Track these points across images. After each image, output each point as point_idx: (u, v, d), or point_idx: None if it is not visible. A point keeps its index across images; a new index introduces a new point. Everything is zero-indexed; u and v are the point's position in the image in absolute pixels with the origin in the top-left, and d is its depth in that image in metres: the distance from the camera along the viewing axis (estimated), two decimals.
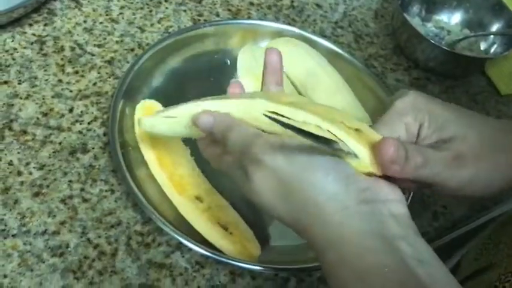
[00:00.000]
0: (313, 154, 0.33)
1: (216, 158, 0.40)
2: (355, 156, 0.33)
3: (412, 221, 0.33)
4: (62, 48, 0.58)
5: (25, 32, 0.59)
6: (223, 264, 0.47)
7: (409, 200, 0.51)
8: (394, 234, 0.30)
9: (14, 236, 0.45)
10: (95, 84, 0.57)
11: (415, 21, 0.74)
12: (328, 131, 0.33)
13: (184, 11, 0.67)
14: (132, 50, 0.61)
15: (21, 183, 0.48)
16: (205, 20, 0.66)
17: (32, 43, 0.58)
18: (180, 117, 0.42)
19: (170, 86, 0.59)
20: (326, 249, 0.31)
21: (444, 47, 0.67)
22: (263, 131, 0.36)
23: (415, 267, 0.29)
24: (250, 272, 0.48)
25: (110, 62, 0.59)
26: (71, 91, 0.55)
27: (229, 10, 0.69)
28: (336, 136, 0.33)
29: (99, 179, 0.50)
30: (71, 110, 0.54)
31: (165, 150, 0.51)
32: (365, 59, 0.70)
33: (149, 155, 0.51)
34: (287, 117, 0.35)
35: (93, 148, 0.52)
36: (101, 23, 0.62)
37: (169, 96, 0.56)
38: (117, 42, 0.61)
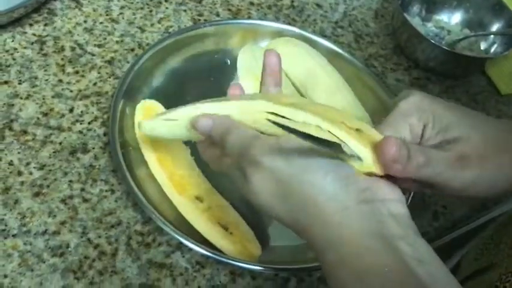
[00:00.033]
0: (312, 155, 0.33)
1: (215, 160, 0.40)
2: (359, 158, 0.33)
3: (412, 220, 0.33)
4: (62, 48, 0.58)
5: (25, 32, 0.59)
6: (223, 264, 0.47)
7: (409, 200, 0.51)
8: (393, 234, 0.30)
9: (14, 236, 0.45)
10: (95, 84, 0.57)
11: (415, 21, 0.74)
12: (330, 132, 0.33)
13: (185, 10, 0.67)
14: (133, 50, 0.61)
15: (22, 183, 0.48)
16: (205, 20, 0.66)
17: (32, 43, 0.58)
18: (180, 120, 0.42)
19: (170, 86, 0.59)
20: (326, 249, 0.31)
21: (444, 47, 0.67)
22: (262, 132, 0.36)
23: (415, 267, 0.29)
24: (250, 272, 0.48)
25: (110, 62, 0.59)
26: (71, 91, 0.55)
27: (229, 10, 0.69)
28: (339, 138, 0.33)
29: (100, 179, 0.50)
30: (71, 110, 0.54)
31: (165, 150, 0.51)
32: (365, 58, 0.70)
33: (149, 155, 0.51)
34: (287, 118, 0.35)
35: (93, 148, 0.52)
36: (101, 23, 0.62)
37: (170, 96, 0.57)
38: (117, 42, 0.61)
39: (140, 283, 0.45)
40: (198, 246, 0.45)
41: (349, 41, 0.71)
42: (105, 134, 0.53)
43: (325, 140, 0.31)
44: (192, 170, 0.51)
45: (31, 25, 0.59)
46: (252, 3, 0.71)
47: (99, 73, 0.58)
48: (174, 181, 0.50)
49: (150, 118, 0.46)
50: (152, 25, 0.64)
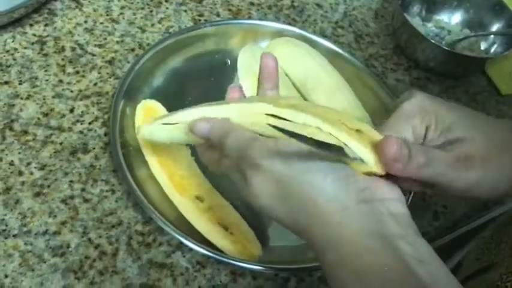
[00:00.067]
0: (310, 155, 0.33)
1: (214, 162, 0.40)
2: (361, 160, 0.33)
3: (412, 220, 0.33)
4: (63, 49, 0.59)
5: (26, 32, 0.59)
6: (224, 264, 0.47)
7: (409, 200, 0.51)
8: (393, 233, 0.30)
9: (15, 236, 0.45)
10: (95, 84, 0.57)
11: (416, 21, 0.74)
12: (331, 134, 0.33)
13: (185, 11, 0.67)
14: (133, 50, 0.61)
15: (22, 183, 0.48)
16: (205, 20, 0.67)
17: (32, 43, 0.58)
18: (179, 124, 0.42)
19: (171, 86, 0.59)
20: (326, 249, 0.31)
21: (444, 47, 0.67)
22: (261, 135, 0.36)
23: (415, 266, 0.29)
24: (251, 272, 0.48)
25: (110, 62, 0.59)
26: (71, 91, 0.55)
27: (229, 10, 0.69)
28: (340, 141, 0.33)
29: (100, 179, 0.50)
30: (71, 110, 0.54)
31: (166, 151, 0.51)
32: (365, 59, 0.70)
33: (150, 155, 0.51)
34: (288, 120, 0.35)
35: (94, 148, 0.52)
36: (101, 23, 0.62)
37: (170, 96, 0.57)
38: (117, 42, 0.61)
39: (141, 283, 0.45)
40: (198, 246, 0.45)
41: (349, 41, 0.71)
42: (105, 134, 0.53)
43: (327, 144, 0.31)
44: (193, 170, 0.51)
45: (31, 25, 0.59)
46: (252, 4, 0.71)
47: (99, 73, 0.58)
48: (175, 181, 0.50)
49: (148, 122, 0.46)
50: (153, 25, 0.64)
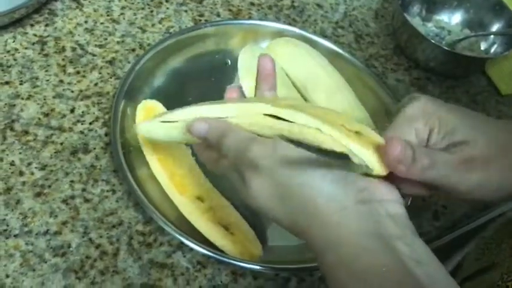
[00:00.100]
0: (309, 155, 0.33)
1: (212, 162, 0.40)
2: (366, 167, 0.32)
3: (410, 221, 0.33)
4: (63, 49, 0.59)
5: (26, 33, 0.59)
6: (224, 264, 0.48)
7: (409, 201, 0.51)
8: (391, 234, 0.30)
9: (16, 236, 0.45)
10: (96, 84, 0.57)
11: (416, 21, 0.74)
12: (332, 135, 0.33)
13: (185, 11, 0.67)
14: (133, 50, 0.61)
15: (23, 183, 0.48)
16: (206, 20, 0.67)
17: (33, 43, 0.58)
18: (178, 122, 0.42)
19: (171, 86, 0.59)
20: (325, 250, 0.31)
21: (444, 47, 0.67)
22: (259, 135, 0.36)
23: (413, 267, 0.29)
24: (251, 271, 0.48)
25: (111, 62, 0.59)
26: (72, 91, 0.55)
27: (230, 10, 0.69)
28: (346, 147, 0.33)
29: (101, 179, 0.50)
30: (72, 111, 0.54)
31: (166, 151, 0.51)
32: (365, 59, 0.70)
33: (150, 155, 0.51)
34: (287, 120, 0.35)
35: (94, 148, 0.52)
36: (101, 23, 0.62)
37: (171, 96, 0.57)
38: (118, 42, 0.61)
39: (141, 283, 0.45)
40: (199, 246, 0.45)
41: (349, 41, 0.71)
42: (106, 134, 0.53)
43: (333, 152, 0.31)
44: (193, 170, 0.51)
45: (32, 25, 0.59)
46: (252, 4, 0.71)
47: (100, 73, 0.58)
48: (175, 181, 0.50)
49: (147, 120, 0.46)
50: (153, 25, 0.64)
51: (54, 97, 0.54)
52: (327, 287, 0.32)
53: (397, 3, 0.69)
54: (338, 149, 0.32)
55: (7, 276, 0.43)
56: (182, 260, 0.47)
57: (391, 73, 0.70)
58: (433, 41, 0.66)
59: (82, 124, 0.53)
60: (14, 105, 0.53)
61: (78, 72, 0.57)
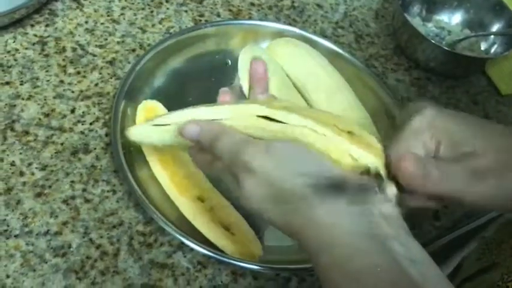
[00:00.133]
0: (302, 157, 0.33)
1: (206, 165, 0.40)
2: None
3: (403, 221, 0.33)
4: (64, 49, 0.59)
5: (27, 33, 0.59)
6: (225, 264, 0.48)
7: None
8: (385, 234, 0.30)
9: (16, 236, 0.45)
10: (96, 84, 0.57)
11: (416, 21, 0.74)
12: (326, 135, 0.34)
13: (186, 11, 0.67)
14: (134, 50, 0.61)
15: (24, 183, 0.48)
16: (206, 21, 0.67)
17: (33, 44, 0.58)
18: (171, 125, 0.41)
19: (172, 86, 0.59)
20: (318, 251, 0.31)
21: (445, 47, 0.67)
22: (253, 137, 0.36)
23: (407, 267, 0.29)
24: (252, 272, 0.48)
25: (111, 62, 0.59)
26: (72, 92, 0.55)
27: (230, 10, 0.69)
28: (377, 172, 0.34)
29: (101, 180, 0.50)
30: (72, 111, 0.54)
31: (166, 151, 0.51)
32: (366, 59, 0.70)
33: (151, 155, 0.51)
34: (281, 122, 0.36)
35: (95, 149, 0.52)
36: (102, 23, 0.62)
37: (171, 97, 0.57)
38: (118, 42, 0.61)
39: (142, 283, 0.45)
40: (199, 246, 0.45)
41: (349, 41, 0.71)
42: (106, 135, 0.53)
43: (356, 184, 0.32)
44: (194, 170, 0.51)
45: (32, 26, 0.60)
46: (252, 4, 0.71)
47: (100, 74, 0.58)
48: (176, 181, 0.50)
49: (138, 124, 0.46)
50: (153, 26, 0.64)
51: (54, 97, 0.54)
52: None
53: (397, 4, 0.69)
54: (332, 147, 0.33)
55: (7, 276, 0.43)
56: (183, 260, 0.47)
57: (391, 73, 0.70)
58: (433, 41, 0.66)
59: (82, 124, 0.53)
60: (15, 105, 0.53)
61: (78, 73, 0.57)
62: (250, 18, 0.69)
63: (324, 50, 0.64)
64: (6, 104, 0.53)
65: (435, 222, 0.57)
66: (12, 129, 0.51)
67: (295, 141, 0.35)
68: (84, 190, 0.49)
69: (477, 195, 0.34)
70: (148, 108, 0.54)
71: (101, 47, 0.60)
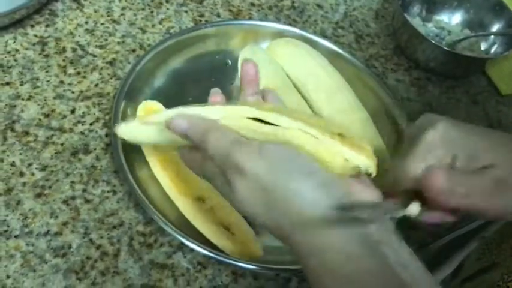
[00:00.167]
0: (293, 159, 0.33)
1: (196, 166, 0.39)
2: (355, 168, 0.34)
3: (394, 225, 0.33)
4: (64, 50, 0.59)
5: (27, 33, 0.59)
6: (225, 265, 0.48)
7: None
8: (376, 239, 0.30)
9: (16, 236, 0.45)
10: (96, 85, 0.57)
11: (416, 22, 0.74)
12: (315, 137, 0.34)
13: (186, 11, 0.67)
14: (134, 50, 0.61)
15: (24, 184, 0.48)
16: (206, 21, 0.67)
17: (33, 44, 0.58)
18: (161, 124, 0.40)
19: (172, 86, 0.59)
20: (309, 256, 0.31)
21: (445, 47, 0.67)
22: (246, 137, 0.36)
23: (399, 272, 0.29)
24: (252, 272, 0.48)
25: (111, 63, 0.59)
26: (72, 92, 0.55)
27: (230, 11, 0.69)
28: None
29: (101, 180, 0.50)
30: (72, 111, 0.54)
31: (166, 151, 0.51)
32: (366, 59, 0.70)
33: (151, 155, 0.51)
34: (272, 124, 0.36)
35: (95, 149, 0.52)
36: (102, 24, 0.62)
37: (171, 97, 0.57)
38: (118, 43, 0.61)
39: (142, 284, 0.45)
40: (199, 246, 0.45)
41: (349, 41, 0.71)
42: (106, 135, 0.53)
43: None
44: None
45: (32, 26, 0.60)
46: (252, 4, 0.71)
47: (100, 74, 0.58)
48: (176, 182, 0.50)
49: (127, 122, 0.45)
50: (153, 26, 0.64)
51: (54, 98, 0.54)
52: None
53: (397, 4, 0.70)
54: (323, 149, 0.33)
55: (8, 277, 0.43)
56: (183, 261, 0.47)
57: (391, 73, 0.70)
58: (433, 41, 0.66)
59: (82, 125, 0.53)
60: (15, 106, 0.53)
61: (78, 73, 0.57)
62: (250, 19, 0.69)
63: (324, 50, 0.64)
64: (6, 105, 0.53)
65: None
66: (12, 130, 0.51)
67: (287, 143, 0.35)
68: (84, 190, 0.49)
69: (500, 207, 0.34)
70: (149, 108, 0.54)
71: (101, 47, 0.60)
